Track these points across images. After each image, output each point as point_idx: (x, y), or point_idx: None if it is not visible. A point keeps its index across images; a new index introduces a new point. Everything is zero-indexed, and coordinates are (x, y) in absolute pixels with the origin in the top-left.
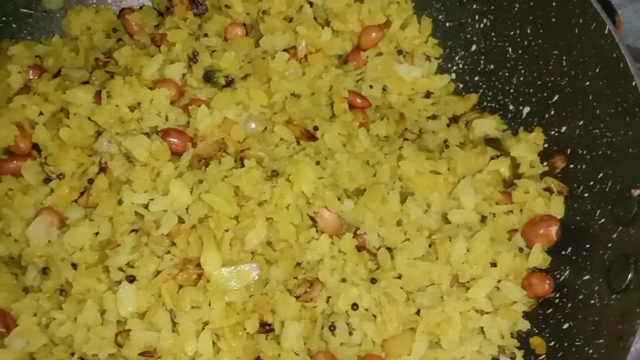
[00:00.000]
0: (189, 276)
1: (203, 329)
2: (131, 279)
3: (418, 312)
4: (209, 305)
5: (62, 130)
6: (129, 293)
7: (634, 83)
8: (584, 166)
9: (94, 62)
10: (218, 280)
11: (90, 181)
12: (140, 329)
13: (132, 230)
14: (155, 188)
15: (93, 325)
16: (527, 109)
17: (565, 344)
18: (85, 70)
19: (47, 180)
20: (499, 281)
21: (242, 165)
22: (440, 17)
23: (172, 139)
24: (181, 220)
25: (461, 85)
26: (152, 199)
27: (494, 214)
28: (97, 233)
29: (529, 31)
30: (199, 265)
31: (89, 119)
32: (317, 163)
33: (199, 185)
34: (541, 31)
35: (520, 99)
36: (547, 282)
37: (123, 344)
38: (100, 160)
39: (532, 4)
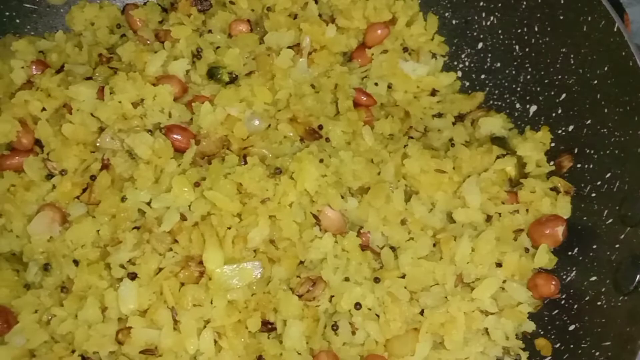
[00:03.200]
0: (190, 274)
1: (204, 327)
2: (132, 276)
3: (422, 312)
4: (211, 303)
5: (64, 126)
6: (130, 290)
7: None
8: (591, 166)
9: (98, 57)
10: (220, 278)
11: (93, 178)
12: (141, 327)
13: (134, 227)
14: (158, 185)
15: (94, 322)
16: (534, 108)
17: (571, 346)
18: (88, 66)
19: (50, 176)
20: (504, 281)
21: (245, 163)
22: (446, 14)
23: (175, 136)
24: (183, 218)
25: (467, 83)
26: (154, 196)
27: (500, 214)
28: (98, 230)
29: (536, 29)
30: (201, 262)
31: (92, 115)
32: (321, 161)
33: (201, 182)
34: (549, 29)
35: (527, 98)
36: (553, 282)
37: (124, 342)
38: (103, 156)
39: (539, 1)
